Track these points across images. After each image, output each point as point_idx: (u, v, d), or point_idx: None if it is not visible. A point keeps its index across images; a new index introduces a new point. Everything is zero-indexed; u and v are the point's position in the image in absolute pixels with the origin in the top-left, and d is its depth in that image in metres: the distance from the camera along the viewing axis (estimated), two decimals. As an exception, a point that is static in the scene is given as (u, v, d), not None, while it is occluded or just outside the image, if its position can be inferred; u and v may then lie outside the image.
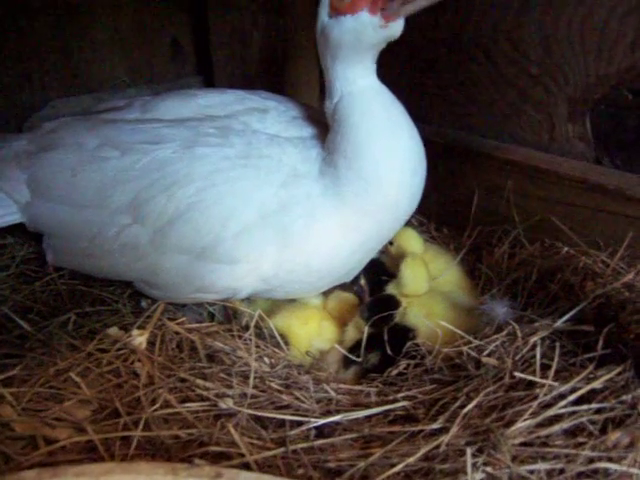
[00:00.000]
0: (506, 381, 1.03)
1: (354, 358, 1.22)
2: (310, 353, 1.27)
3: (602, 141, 1.46)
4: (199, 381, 1.07)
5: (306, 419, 1.01)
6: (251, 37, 1.99)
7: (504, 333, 1.16)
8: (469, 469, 0.83)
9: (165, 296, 1.28)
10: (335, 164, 1.21)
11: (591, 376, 1.00)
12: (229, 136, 1.26)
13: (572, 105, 1.48)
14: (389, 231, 1.30)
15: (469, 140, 1.69)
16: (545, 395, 0.96)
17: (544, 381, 1.00)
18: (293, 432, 0.98)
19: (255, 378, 1.10)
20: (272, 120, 1.35)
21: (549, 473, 0.84)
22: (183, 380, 1.07)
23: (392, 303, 1.28)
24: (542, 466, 0.84)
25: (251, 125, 1.32)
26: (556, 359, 1.04)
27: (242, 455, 0.87)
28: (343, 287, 1.38)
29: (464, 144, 1.68)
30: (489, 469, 0.83)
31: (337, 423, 1.01)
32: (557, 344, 1.08)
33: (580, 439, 0.89)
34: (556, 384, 0.98)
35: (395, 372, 1.17)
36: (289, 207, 1.20)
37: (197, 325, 1.24)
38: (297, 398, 1.08)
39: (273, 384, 1.11)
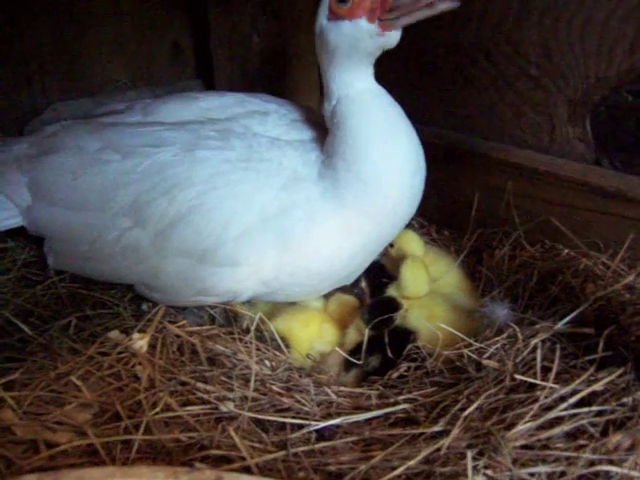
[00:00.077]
0: (507, 384, 1.03)
1: (355, 361, 1.22)
2: (311, 356, 1.27)
3: (602, 143, 1.46)
4: (200, 384, 1.07)
5: (307, 422, 1.01)
6: (251, 40, 1.99)
7: (505, 335, 1.16)
8: (470, 472, 0.83)
9: (166, 299, 1.29)
10: (334, 167, 1.21)
11: (592, 378, 1.00)
12: (230, 139, 1.26)
13: (572, 107, 1.48)
14: (389, 233, 1.30)
15: (469, 142, 1.69)
16: (546, 397, 0.96)
17: (545, 383, 1.00)
18: (294, 435, 0.98)
19: (256, 381, 1.10)
20: (273, 123, 1.35)
21: (550, 476, 0.84)
22: (184, 383, 1.08)
23: (393, 305, 1.28)
24: (543, 469, 0.84)
25: (252, 128, 1.32)
26: (557, 361, 1.04)
27: (243, 458, 0.88)
28: (344, 290, 1.39)
29: (464, 146, 1.68)
30: (490, 472, 0.84)
31: (338, 426, 1.01)
32: (558, 346, 1.08)
33: (581, 442, 0.89)
34: (557, 386, 0.98)
35: (396, 375, 1.17)
36: (289, 210, 1.20)
37: (198, 328, 1.24)
38: (298, 401, 1.08)
39: (274, 387, 1.11)
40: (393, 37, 1.12)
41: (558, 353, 1.06)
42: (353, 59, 1.17)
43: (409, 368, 1.17)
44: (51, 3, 1.83)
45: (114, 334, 1.19)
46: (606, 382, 0.98)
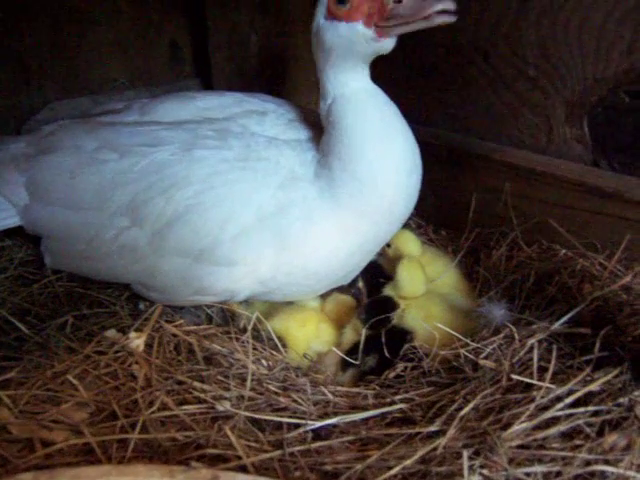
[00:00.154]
0: (503, 384, 1.04)
1: (352, 361, 1.22)
2: (308, 355, 1.27)
3: (600, 143, 1.46)
4: (196, 383, 1.07)
5: (303, 422, 1.01)
6: (249, 39, 1.99)
7: (501, 335, 1.16)
8: (466, 472, 0.83)
9: (163, 298, 1.29)
10: (330, 166, 1.21)
11: (588, 378, 1.00)
12: (227, 139, 1.26)
13: (570, 108, 1.48)
14: (386, 233, 1.30)
15: (467, 143, 1.69)
16: (542, 397, 0.97)
17: (541, 384, 1.00)
18: (290, 435, 0.98)
19: (252, 380, 1.10)
20: (270, 123, 1.35)
21: (546, 476, 0.84)
22: (180, 382, 1.08)
23: (389, 305, 1.28)
24: (539, 468, 0.84)
25: (249, 128, 1.32)
26: (553, 361, 1.04)
27: (239, 458, 0.88)
28: (341, 290, 1.39)
29: (462, 147, 1.68)
30: (486, 472, 0.84)
31: (334, 425, 1.01)
32: (554, 346, 1.09)
33: (577, 442, 0.89)
34: (553, 386, 0.99)
35: (392, 374, 1.17)
36: (286, 209, 1.20)
37: (195, 327, 1.24)
38: (294, 400, 1.08)
39: (270, 386, 1.11)
40: (388, 44, 1.13)
41: (555, 353, 1.06)
42: (348, 60, 1.17)
43: (406, 368, 1.17)
44: (50, 2, 1.82)
45: (111, 333, 1.19)
46: (602, 382, 0.98)
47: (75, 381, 1.03)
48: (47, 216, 1.29)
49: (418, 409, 1.05)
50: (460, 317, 1.29)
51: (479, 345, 1.15)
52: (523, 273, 1.39)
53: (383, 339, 1.21)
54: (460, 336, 1.18)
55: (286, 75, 2.08)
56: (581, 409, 0.94)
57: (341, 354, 1.23)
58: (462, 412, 0.97)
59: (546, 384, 0.99)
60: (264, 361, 1.19)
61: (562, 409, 0.94)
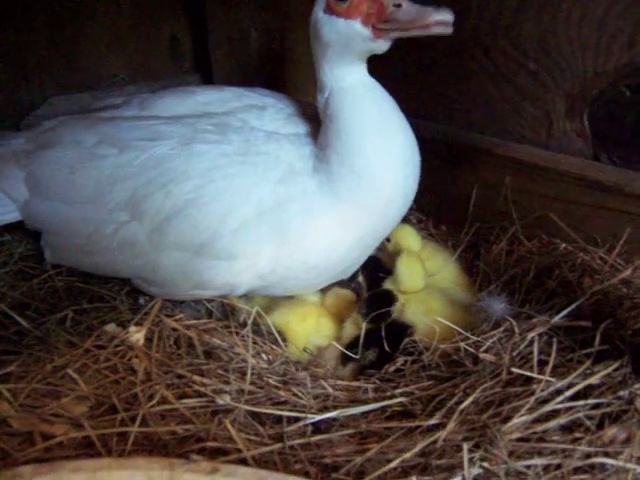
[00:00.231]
0: (503, 377, 1.04)
1: (352, 355, 1.22)
2: (307, 349, 1.27)
3: (600, 137, 1.46)
4: (196, 377, 1.07)
5: (303, 415, 1.01)
6: (249, 35, 1.98)
7: (501, 329, 1.16)
8: (466, 464, 0.83)
9: (163, 293, 1.29)
10: (327, 160, 1.21)
11: (588, 372, 1.00)
12: (227, 133, 1.26)
13: (570, 101, 1.48)
14: (385, 227, 1.30)
15: (467, 137, 1.69)
16: (542, 391, 0.97)
17: (541, 377, 1.00)
18: (290, 428, 0.98)
19: (252, 374, 1.10)
20: (270, 117, 1.35)
21: (546, 468, 0.84)
22: (180, 376, 1.08)
23: (389, 298, 1.28)
24: (539, 461, 0.85)
25: (249, 122, 1.32)
26: (553, 355, 1.04)
27: (239, 451, 0.88)
28: (341, 284, 1.39)
29: (462, 141, 1.68)
30: (486, 464, 0.84)
31: (334, 419, 1.01)
32: (554, 340, 1.08)
33: (577, 434, 0.89)
34: (553, 380, 0.98)
35: (392, 368, 1.17)
36: (286, 204, 1.20)
37: (195, 322, 1.24)
38: (294, 394, 1.08)
39: (270, 380, 1.11)
40: (383, 45, 1.13)
41: (555, 347, 1.06)
42: (345, 55, 1.17)
43: (406, 362, 1.17)
44: (49, -2, 1.82)
45: (111, 327, 1.19)
46: (602, 375, 0.98)
47: (75, 375, 1.03)
48: (47, 211, 1.29)
49: (418, 403, 1.05)
50: (460, 311, 1.29)
51: (479, 339, 1.15)
52: (523, 267, 1.39)
53: (383, 333, 1.21)
54: (460, 330, 1.18)
55: (286, 71, 2.08)
56: (581, 402, 0.94)
57: (341, 349, 1.23)
58: (462, 405, 0.97)
59: (546, 377, 0.99)
60: (264, 355, 1.19)
61: (562, 402, 0.94)
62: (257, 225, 1.19)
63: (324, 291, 1.39)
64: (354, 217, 1.22)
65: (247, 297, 1.34)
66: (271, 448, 0.91)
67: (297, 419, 1.01)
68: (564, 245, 1.41)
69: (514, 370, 1.03)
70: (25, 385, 1.00)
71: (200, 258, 1.20)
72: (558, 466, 0.84)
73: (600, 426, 0.90)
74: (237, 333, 1.22)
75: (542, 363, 1.04)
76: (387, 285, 1.34)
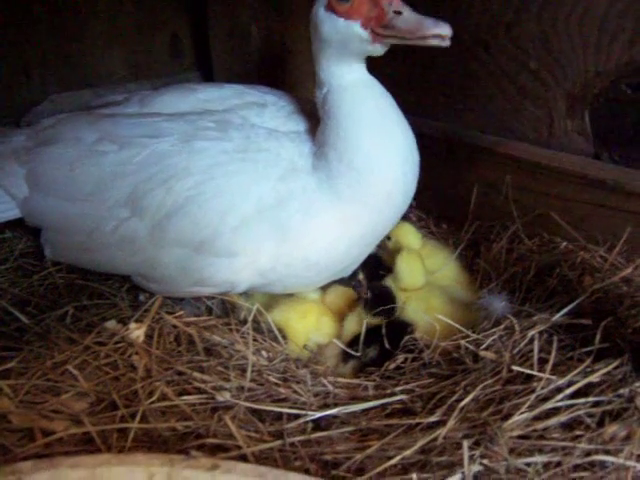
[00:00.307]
0: (504, 375, 1.04)
1: (352, 352, 1.22)
2: (308, 347, 1.27)
3: (601, 136, 1.46)
4: (196, 374, 1.07)
5: (303, 412, 1.01)
6: (250, 32, 1.98)
7: (502, 327, 1.16)
8: (466, 462, 0.83)
9: (163, 290, 1.28)
10: (326, 157, 1.21)
11: (588, 370, 1.00)
12: (228, 130, 1.26)
13: (571, 100, 1.48)
14: (386, 224, 1.29)
15: (468, 135, 1.69)
16: (542, 388, 0.97)
17: (541, 374, 1.00)
18: (290, 425, 0.98)
19: (253, 371, 1.10)
20: (270, 114, 1.35)
21: (546, 465, 0.84)
22: (180, 373, 1.08)
23: (388, 294, 1.29)
24: (539, 459, 0.85)
25: (250, 119, 1.32)
26: (554, 353, 1.04)
27: (239, 447, 0.88)
28: (341, 282, 1.38)
29: (463, 139, 1.68)
30: (486, 462, 0.84)
31: (334, 416, 1.01)
32: (555, 338, 1.09)
33: (577, 432, 0.89)
34: (554, 377, 0.99)
35: (393, 366, 1.17)
36: (286, 201, 1.20)
37: (195, 319, 1.24)
38: (295, 391, 1.08)
39: (271, 377, 1.11)
40: (380, 49, 1.14)
41: (555, 344, 1.06)
42: (343, 54, 1.18)
43: (406, 359, 1.17)
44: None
45: (111, 324, 1.19)
46: (603, 373, 0.98)
47: (75, 371, 1.03)
48: (47, 208, 1.29)
49: (418, 400, 1.05)
50: (461, 309, 1.29)
51: (479, 337, 1.15)
52: (524, 265, 1.39)
53: (384, 331, 1.21)
54: (461, 327, 1.18)
55: (286, 68, 2.08)
56: (581, 400, 0.94)
57: (342, 346, 1.23)
58: (462, 403, 0.97)
59: (546, 375, 0.99)
60: (264, 352, 1.19)
61: (562, 400, 0.94)
62: (257, 222, 1.19)
63: (324, 289, 1.38)
64: (354, 214, 1.22)
65: (247, 294, 1.34)
66: (271, 445, 0.91)
67: (297, 416, 1.00)
68: (565, 243, 1.41)
69: (514, 368, 1.03)
70: (25, 381, 1.00)
71: (200, 255, 1.20)
72: (558, 463, 0.84)
73: (600, 424, 0.90)
74: (237, 330, 1.22)
75: (542, 361, 1.04)
76: (387, 282, 1.34)
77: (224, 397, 1.02)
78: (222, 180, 1.19)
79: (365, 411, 1.04)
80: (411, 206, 1.59)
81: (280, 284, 1.28)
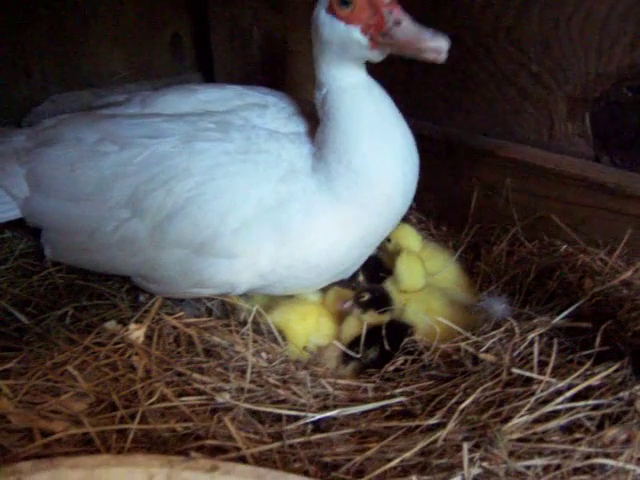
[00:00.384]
0: (503, 377, 1.03)
1: (352, 354, 1.21)
2: (307, 348, 1.27)
3: (601, 139, 1.46)
4: (196, 375, 1.07)
5: (303, 414, 1.01)
6: (251, 33, 1.98)
7: (502, 330, 1.16)
8: (466, 464, 0.83)
9: (163, 291, 1.28)
10: (325, 159, 1.21)
11: (588, 373, 1.00)
12: (229, 131, 1.26)
13: (572, 103, 1.48)
14: (385, 226, 1.29)
15: (469, 138, 1.69)
16: (542, 391, 0.97)
17: (541, 377, 1.00)
18: (290, 427, 0.98)
19: (252, 373, 1.10)
20: (271, 116, 1.35)
21: (545, 468, 0.84)
22: (180, 374, 1.08)
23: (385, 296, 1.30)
24: (539, 462, 0.84)
25: (251, 120, 1.32)
26: (554, 356, 1.04)
27: (238, 449, 0.88)
28: (341, 283, 1.38)
29: (464, 142, 1.68)
30: (486, 464, 0.84)
31: (334, 418, 1.01)
32: (555, 341, 1.08)
33: (577, 435, 0.89)
34: (553, 380, 0.98)
35: (392, 368, 1.17)
36: (287, 203, 1.20)
37: (195, 320, 1.24)
38: (294, 393, 1.08)
39: (270, 379, 1.11)
40: (378, 55, 1.14)
41: (555, 347, 1.06)
42: (342, 57, 1.17)
43: (406, 361, 1.17)
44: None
45: (111, 325, 1.19)
46: (603, 376, 0.98)
47: (75, 372, 1.03)
48: (47, 208, 1.29)
49: (418, 402, 1.05)
50: (460, 311, 1.29)
51: (479, 339, 1.15)
52: (524, 268, 1.39)
53: (384, 332, 1.21)
54: (461, 330, 1.17)
55: (288, 69, 2.08)
56: (581, 403, 0.94)
57: (342, 348, 1.23)
58: (462, 405, 0.97)
59: (546, 378, 0.99)
60: (264, 354, 1.19)
61: (562, 403, 0.94)
62: (258, 224, 1.19)
63: (324, 290, 1.38)
64: (354, 216, 1.22)
65: (247, 296, 1.34)
66: (270, 446, 0.90)
67: (297, 418, 1.00)
68: (565, 246, 1.41)
69: (514, 370, 1.03)
70: (25, 381, 1.00)
71: (200, 256, 1.20)
72: (558, 466, 0.84)
73: (600, 427, 0.90)
74: (237, 332, 1.22)
75: (542, 364, 1.04)
76: (387, 284, 1.35)
77: (224, 398, 1.02)
78: (223, 181, 1.19)
79: (365, 413, 1.04)
80: (411, 208, 1.59)
81: (280, 285, 1.28)
